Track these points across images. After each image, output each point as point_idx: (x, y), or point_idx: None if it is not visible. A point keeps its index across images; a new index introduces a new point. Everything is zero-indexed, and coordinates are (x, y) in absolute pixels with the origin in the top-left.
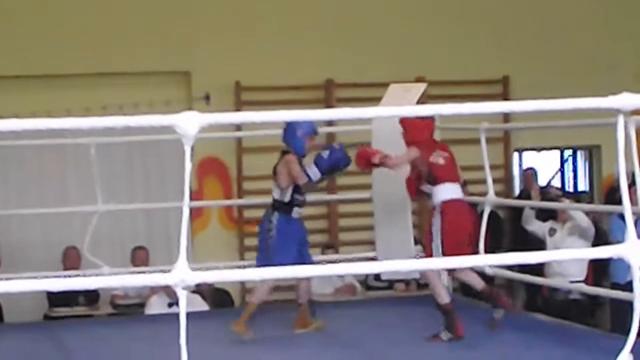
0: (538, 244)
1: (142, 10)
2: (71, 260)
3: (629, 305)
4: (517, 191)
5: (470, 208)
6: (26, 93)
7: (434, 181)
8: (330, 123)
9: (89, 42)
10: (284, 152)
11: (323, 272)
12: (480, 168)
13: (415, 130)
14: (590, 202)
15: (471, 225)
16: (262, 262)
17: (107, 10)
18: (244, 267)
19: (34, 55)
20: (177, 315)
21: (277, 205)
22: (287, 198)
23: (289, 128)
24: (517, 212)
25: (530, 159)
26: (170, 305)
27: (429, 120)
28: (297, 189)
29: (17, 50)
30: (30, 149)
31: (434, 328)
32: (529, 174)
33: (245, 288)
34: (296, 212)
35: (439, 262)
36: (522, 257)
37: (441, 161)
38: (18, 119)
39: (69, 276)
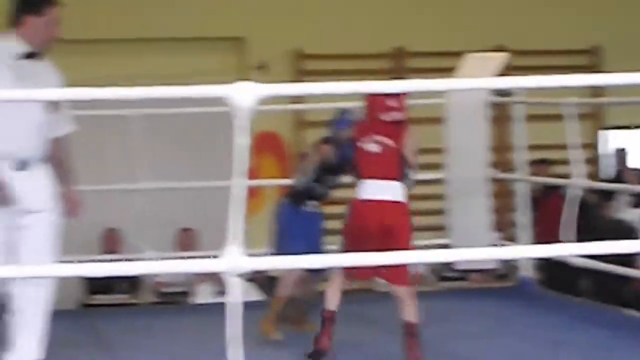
0: (629, 233)
1: None
2: (110, 243)
3: None
4: (604, 173)
5: (381, 208)
6: (62, 59)
7: (357, 174)
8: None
9: (131, 5)
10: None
11: (390, 260)
12: (564, 147)
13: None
14: None
15: (376, 225)
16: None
17: None
18: None
19: (73, 20)
20: (226, 305)
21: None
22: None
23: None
24: (606, 196)
25: (621, 138)
26: (219, 294)
27: (377, 96)
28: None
29: None
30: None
31: (505, 323)
32: (621, 155)
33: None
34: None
35: (524, 251)
36: (613, 247)
37: (374, 149)
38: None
39: (109, 261)
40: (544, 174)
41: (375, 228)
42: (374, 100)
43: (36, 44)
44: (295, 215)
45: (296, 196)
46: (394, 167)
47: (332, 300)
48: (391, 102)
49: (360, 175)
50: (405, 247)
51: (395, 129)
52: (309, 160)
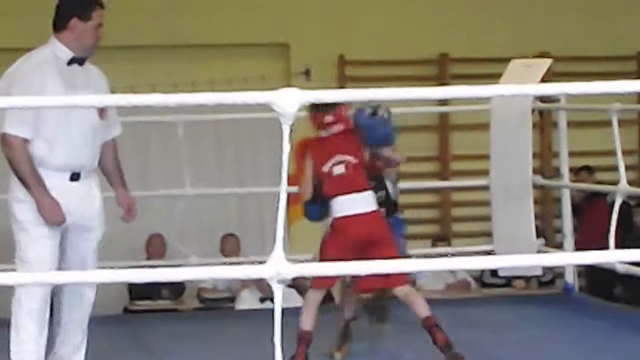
0: None
1: None
2: (155, 249)
3: None
4: None
5: (369, 220)
6: (106, 65)
7: (326, 195)
8: (443, 102)
9: (175, 11)
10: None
11: (434, 266)
12: (611, 153)
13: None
14: None
15: (365, 237)
16: None
17: None
18: None
19: (115, 26)
20: (270, 311)
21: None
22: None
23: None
24: None
25: None
26: (262, 300)
27: (316, 114)
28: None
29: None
30: None
31: (553, 330)
32: None
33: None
34: None
35: (567, 257)
36: None
37: (338, 170)
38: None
39: (152, 266)
40: (588, 181)
41: (364, 240)
42: (313, 118)
43: (82, 49)
44: (396, 223)
45: (393, 204)
46: (362, 178)
47: (307, 321)
48: (327, 118)
49: (332, 195)
50: (395, 253)
51: (346, 141)
52: (391, 168)
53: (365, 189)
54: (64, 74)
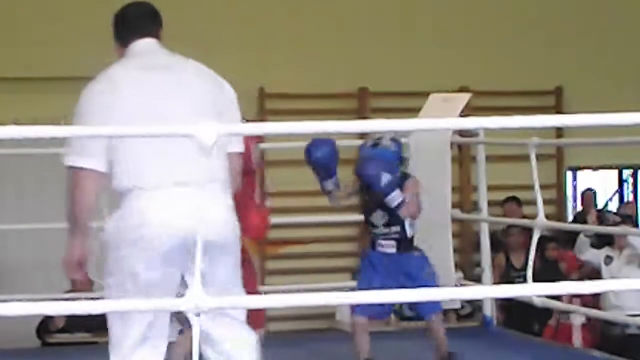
0: (593, 274)
1: None
2: (81, 284)
3: None
4: (570, 214)
5: None
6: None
7: None
8: (363, 135)
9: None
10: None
11: (350, 299)
12: (530, 187)
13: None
14: None
15: None
16: None
17: None
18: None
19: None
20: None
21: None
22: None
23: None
24: (571, 237)
25: (586, 178)
26: (180, 332)
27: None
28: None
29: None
30: (30, 157)
31: None
32: (589, 196)
33: None
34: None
35: (485, 291)
36: (575, 287)
37: None
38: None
39: (68, 299)
40: (516, 212)
41: None
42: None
43: None
44: (415, 260)
45: (409, 240)
46: None
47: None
48: None
49: None
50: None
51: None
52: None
53: None
54: None
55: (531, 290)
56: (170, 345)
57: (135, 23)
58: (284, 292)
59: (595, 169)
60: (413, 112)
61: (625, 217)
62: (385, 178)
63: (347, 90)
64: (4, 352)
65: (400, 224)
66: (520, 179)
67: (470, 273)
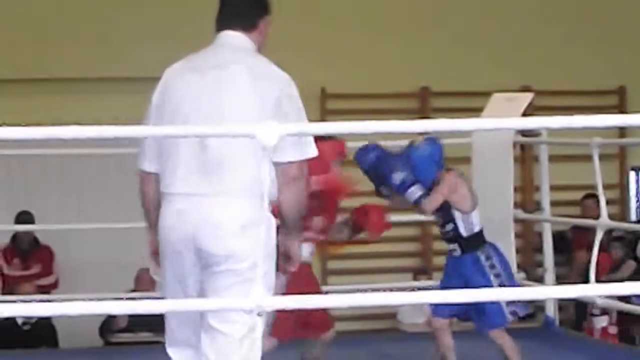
0: None
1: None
2: (144, 284)
3: None
4: (633, 214)
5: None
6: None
7: None
8: (424, 135)
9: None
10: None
11: (415, 299)
12: (592, 187)
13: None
14: None
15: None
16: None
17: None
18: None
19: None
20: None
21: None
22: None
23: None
24: (634, 237)
25: None
26: None
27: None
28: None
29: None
30: (91, 158)
31: None
32: None
33: None
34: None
35: (547, 291)
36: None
37: None
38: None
39: (131, 298)
40: (595, 210)
41: None
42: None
43: (261, 51)
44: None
45: (465, 240)
46: None
47: None
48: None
49: None
50: None
51: None
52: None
53: None
54: None
55: (592, 291)
56: None
57: (222, 11)
58: (346, 292)
59: None
60: (475, 111)
61: None
62: (398, 177)
63: (408, 90)
64: (68, 351)
65: (452, 221)
66: (583, 178)
67: (532, 274)
